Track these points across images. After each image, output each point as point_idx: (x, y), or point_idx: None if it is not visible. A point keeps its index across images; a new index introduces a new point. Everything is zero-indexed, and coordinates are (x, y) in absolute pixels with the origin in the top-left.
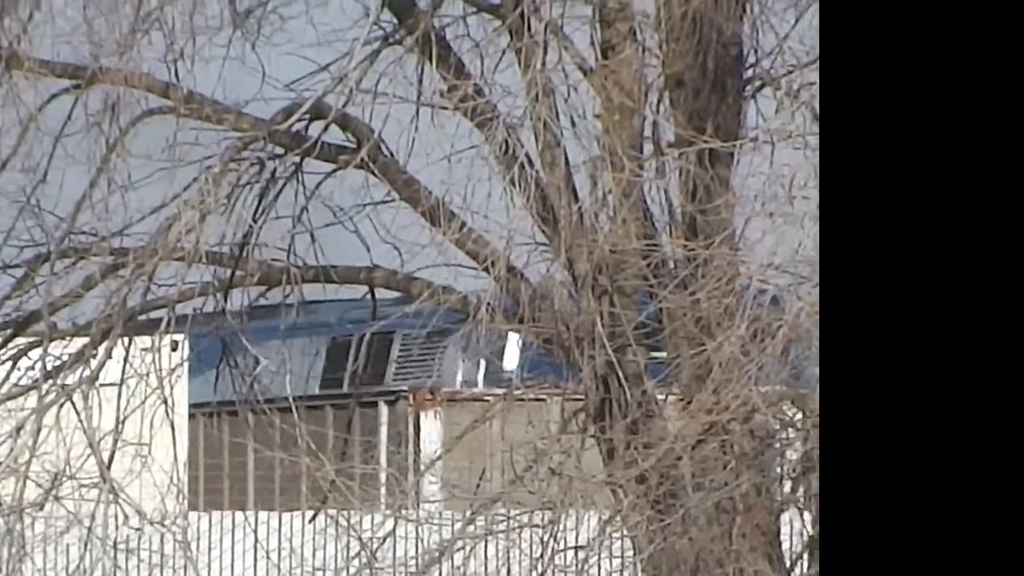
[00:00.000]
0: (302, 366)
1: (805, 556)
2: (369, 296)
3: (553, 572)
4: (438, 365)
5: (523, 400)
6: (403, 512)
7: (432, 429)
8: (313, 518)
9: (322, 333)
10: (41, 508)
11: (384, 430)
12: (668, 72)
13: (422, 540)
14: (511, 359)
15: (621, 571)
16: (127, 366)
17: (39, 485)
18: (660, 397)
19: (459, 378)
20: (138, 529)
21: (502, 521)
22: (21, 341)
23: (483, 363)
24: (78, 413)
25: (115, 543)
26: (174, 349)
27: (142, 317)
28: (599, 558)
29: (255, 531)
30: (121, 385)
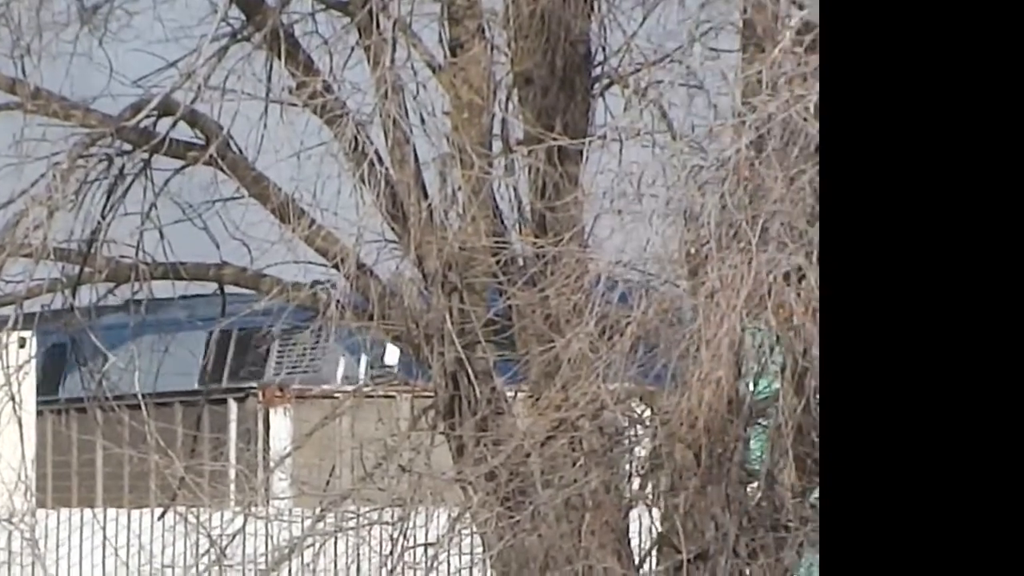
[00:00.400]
0: (151, 363)
1: (653, 553)
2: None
3: (403, 569)
4: (319, 360)
5: (373, 397)
6: (253, 509)
7: (282, 426)
8: (162, 515)
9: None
10: None
11: (233, 427)
12: (516, 70)
13: (272, 537)
14: (392, 354)
15: (471, 568)
16: None
17: None
18: (509, 394)
19: (340, 374)
20: None
21: (352, 518)
22: None
23: (364, 359)
24: None
25: None
26: (21, 346)
27: None
28: (448, 555)
29: (104, 528)
30: None
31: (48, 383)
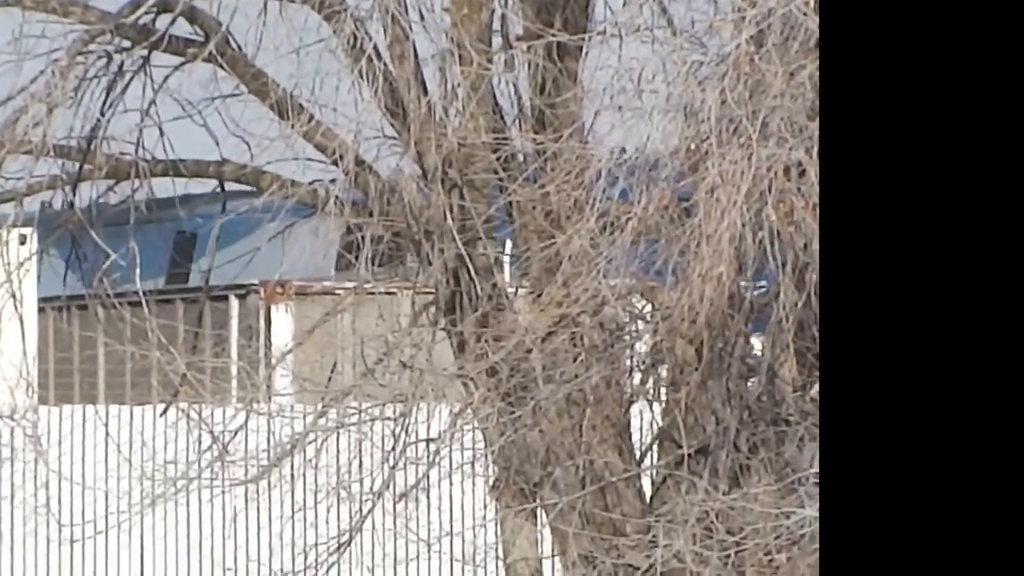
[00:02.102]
0: (154, 260)
1: (654, 448)
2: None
3: (404, 464)
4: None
5: (374, 293)
6: (254, 405)
7: (283, 322)
8: (164, 412)
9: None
10: None
11: (235, 324)
12: None
13: (273, 433)
14: None
15: (472, 463)
16: None
17: None
18: (510, 290)
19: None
20: None
21: (353, 414)
22: None
23: None
24: None
25: None
26: (22, 243)
27: None
28: (450, 450)
29: (106, 425)
30: None
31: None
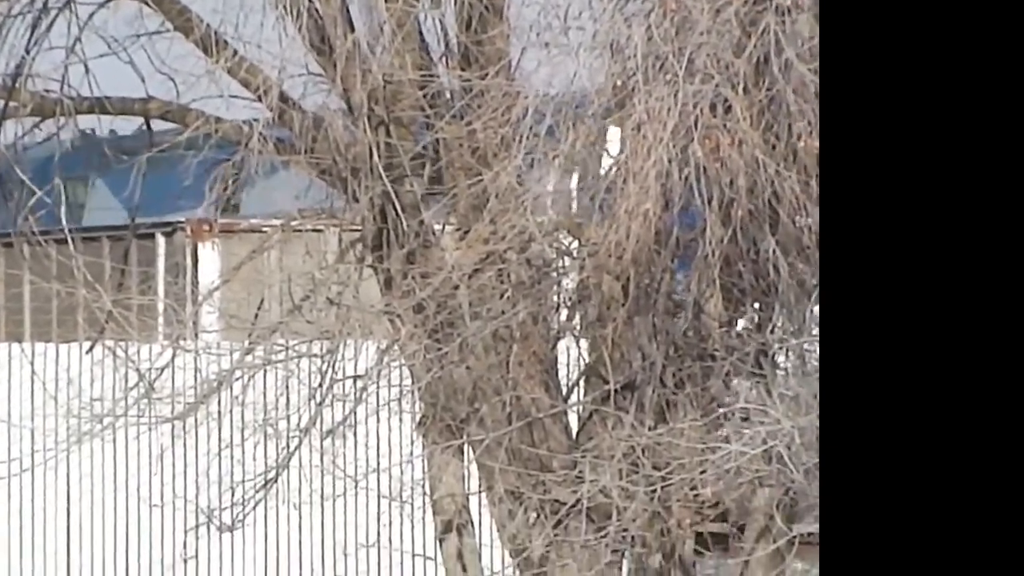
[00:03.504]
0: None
1: (581, 383)
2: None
3: (332, 401)
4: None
5: (300, 231)
6: (181, 343)
7: (210, 260)
8: (91, 349)
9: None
10: None
11: (161, 261)
12: None
13: (200, 370)
14: None
15: (399, 399)
16: None
17: None
18: (437, 227)
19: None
20: None
21: (280, 351)
22: None
23: None
24: None
25: None
26: None
27: None
28: (377, 387)
29: (32, 362)
30: None
31: None
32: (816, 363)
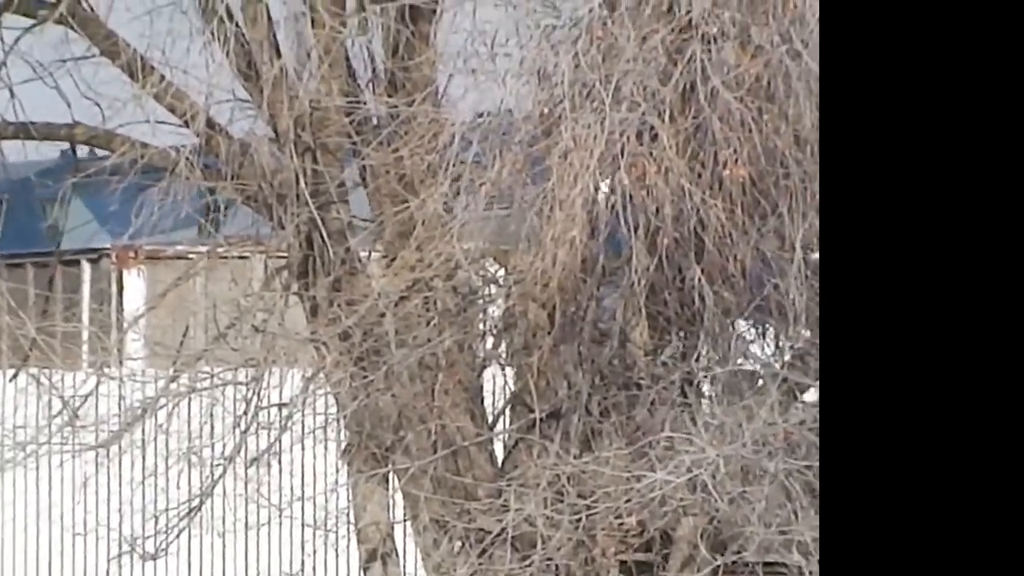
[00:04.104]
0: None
1: (507, 412)
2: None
3: (256, 429)
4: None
5: (227, 258)
6: (105, 370)
7: (135, 287)
8: (14, 376)
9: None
10: None
11: (87, 288)
12: None
13: (124, 398)
14: None
15: (324, 428)
16: None
17: None
18: (364, 254)
19: None
20: None
21: (205, 378)
22: None
23: None
24: None
25: None
26: None
27: None
28: (302, 415)
29: None
30: None
31: None
32: (743, 393)
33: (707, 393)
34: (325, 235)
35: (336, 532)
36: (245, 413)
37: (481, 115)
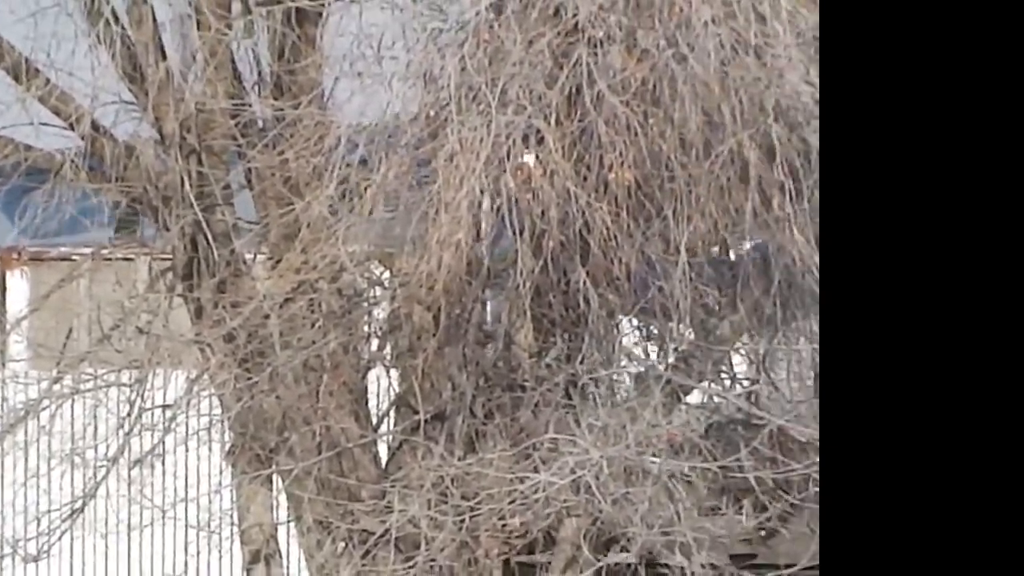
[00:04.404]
0: None
1: (391, 413)
2: None
3: (140, 430)
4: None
5: (111, 259)
6: None
7: (18, 288)
8: None
9: None
10: None
11: None
12: None
13: (7, 399)
14: None
15: (209, 429)
16: None
17: None
18: (248, 256)
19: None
20: None
21: (89, 380)
22: None
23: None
24: None
25: None
26: None
27: None
28: (186, 416)
29: None
30: None
31: None
32: (624, 394)
33: (591, 394)
34: (210, 237)
35: (220, 533)
36: (129, 414)
37: (367, 118)
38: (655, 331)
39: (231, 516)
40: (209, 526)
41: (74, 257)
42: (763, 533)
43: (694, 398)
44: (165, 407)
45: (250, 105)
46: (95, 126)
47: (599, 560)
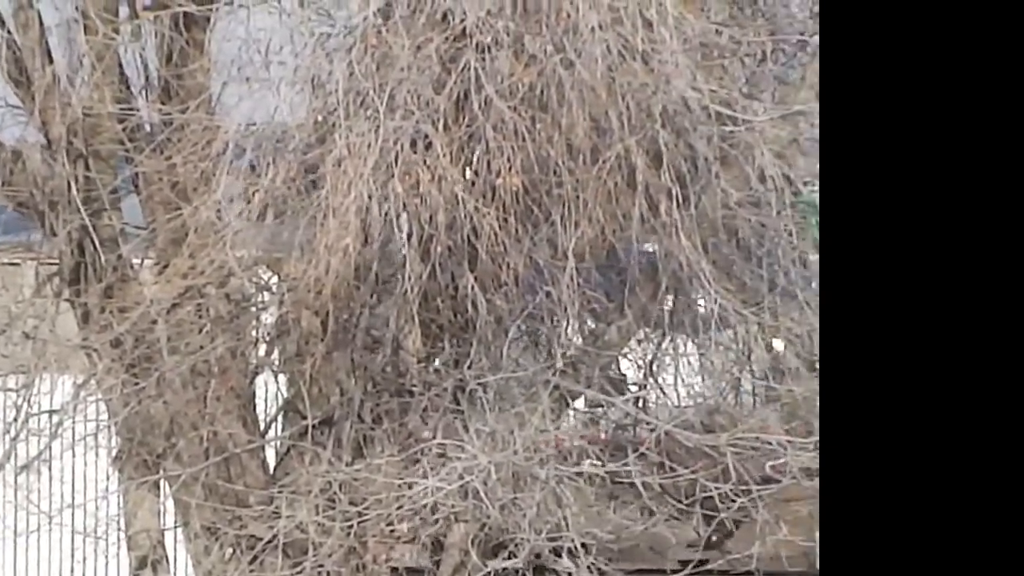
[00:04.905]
0: None
1: (279, 419)
2: None
3: (26, 436)
4: None
5: None
6: None
7: None
8: None
9: None
10: None
11: None
12: None
13: None
14: None
15: (96, 434)
16: None
17: None
18: (136, 261)
19: None
20: None
21: None
22: None
23: None
24: None
25: None
26: None
27: None
28: (73, 422)
29: None
30: None
31: None
32: (514, 400)
33: (479, 400)
34: (97, 242)
35: (107, 539)
36: (15, 420)
37: (255, 123)
38: (544, 336)
39: (118, 522)
40: (96, 532)
41: None
42: (714, 539)
43: (580, 403)
44: (52, 412)
45: (137, 110)
46: None
47: (486, 565)
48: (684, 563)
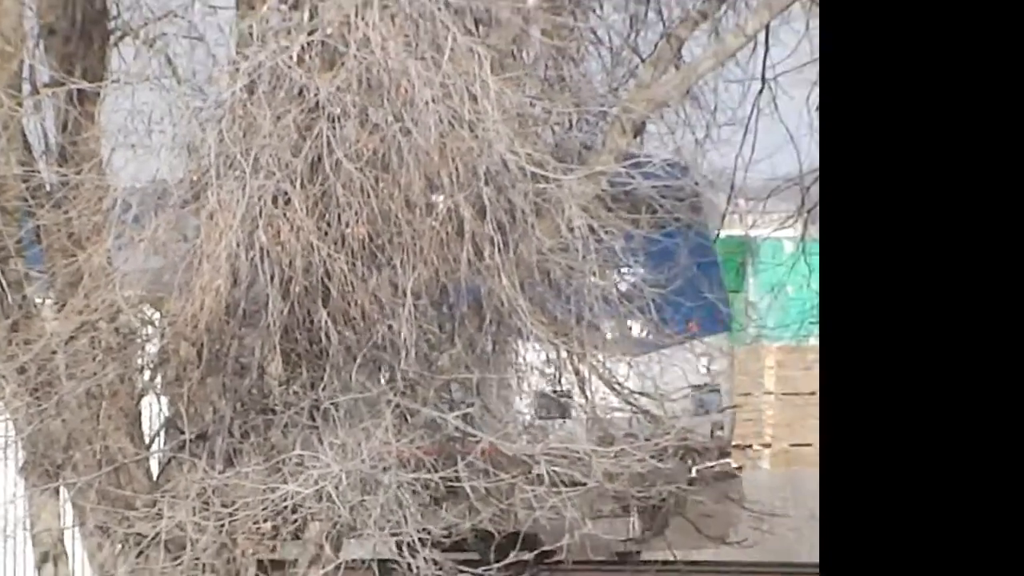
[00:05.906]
0: None
1: (162, 434)
2: None
3: None
4: None
5: None
6: None
7: None
8: None
9: None
10: None
11: None
12: (42, 22)
13: None
14: None
15: (4, 448)
16: None
17: None
18: (38, 301)
19: None
20: None
21: None
22: None
23: None
24: None
25: None
26: None
27: None
28: None
29: None
30: None
31: None
32: (362, 416)
33: (332, 417)
34: (5, 284)
35: (14, 538)
36: None
37: (139, 182)
38: (386, 362)
39: (24, 523)
40: (4, 532)
41: None
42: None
43: (419, 419)
44: None
45: (39, 171)
46: None
47: (338, 557)
48: (503, 554)
